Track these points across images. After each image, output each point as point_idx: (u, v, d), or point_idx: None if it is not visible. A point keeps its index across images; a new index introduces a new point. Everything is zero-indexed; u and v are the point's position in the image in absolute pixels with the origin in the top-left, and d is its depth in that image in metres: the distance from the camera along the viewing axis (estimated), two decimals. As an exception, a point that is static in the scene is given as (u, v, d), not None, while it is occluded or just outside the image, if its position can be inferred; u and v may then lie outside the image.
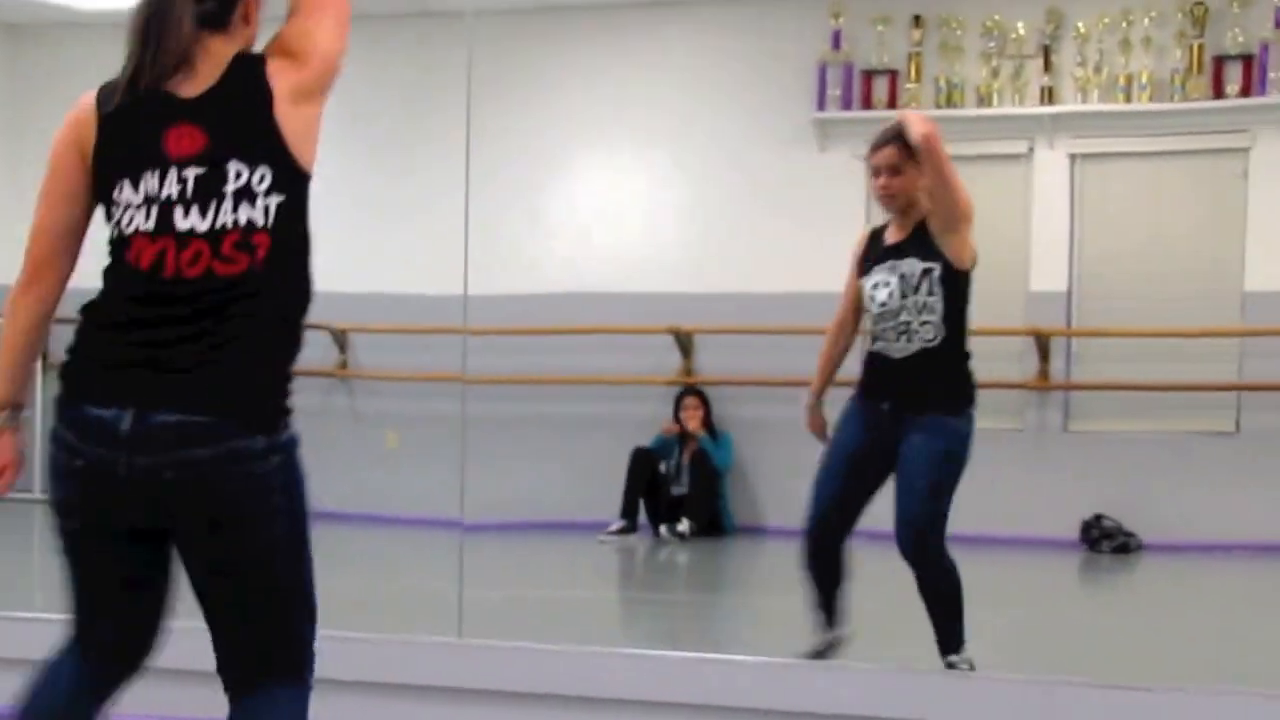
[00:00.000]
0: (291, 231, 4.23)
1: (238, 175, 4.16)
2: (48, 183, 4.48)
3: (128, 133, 4.27)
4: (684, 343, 14.52)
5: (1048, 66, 13.92)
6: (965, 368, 7.67)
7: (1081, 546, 13.18)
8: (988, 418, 13.51)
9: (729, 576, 12.66)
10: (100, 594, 4.53)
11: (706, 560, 12.86)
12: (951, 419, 7.48)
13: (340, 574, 12.45)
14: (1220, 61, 13.54)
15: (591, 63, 14.83)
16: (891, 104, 14.19)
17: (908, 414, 7.35)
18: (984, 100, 14.07)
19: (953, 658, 7.03)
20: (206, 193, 4.17)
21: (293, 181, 4.19)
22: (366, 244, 15.53)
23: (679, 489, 13.86)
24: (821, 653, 7.19)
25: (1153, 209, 13.86)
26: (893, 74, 14.30)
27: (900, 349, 7.38)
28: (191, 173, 4.19)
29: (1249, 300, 13.39)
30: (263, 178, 4.15)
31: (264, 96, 4.16)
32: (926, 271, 7.39)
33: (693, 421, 13.99)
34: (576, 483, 14.30)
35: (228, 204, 4.17)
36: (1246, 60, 13.43)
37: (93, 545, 4.42)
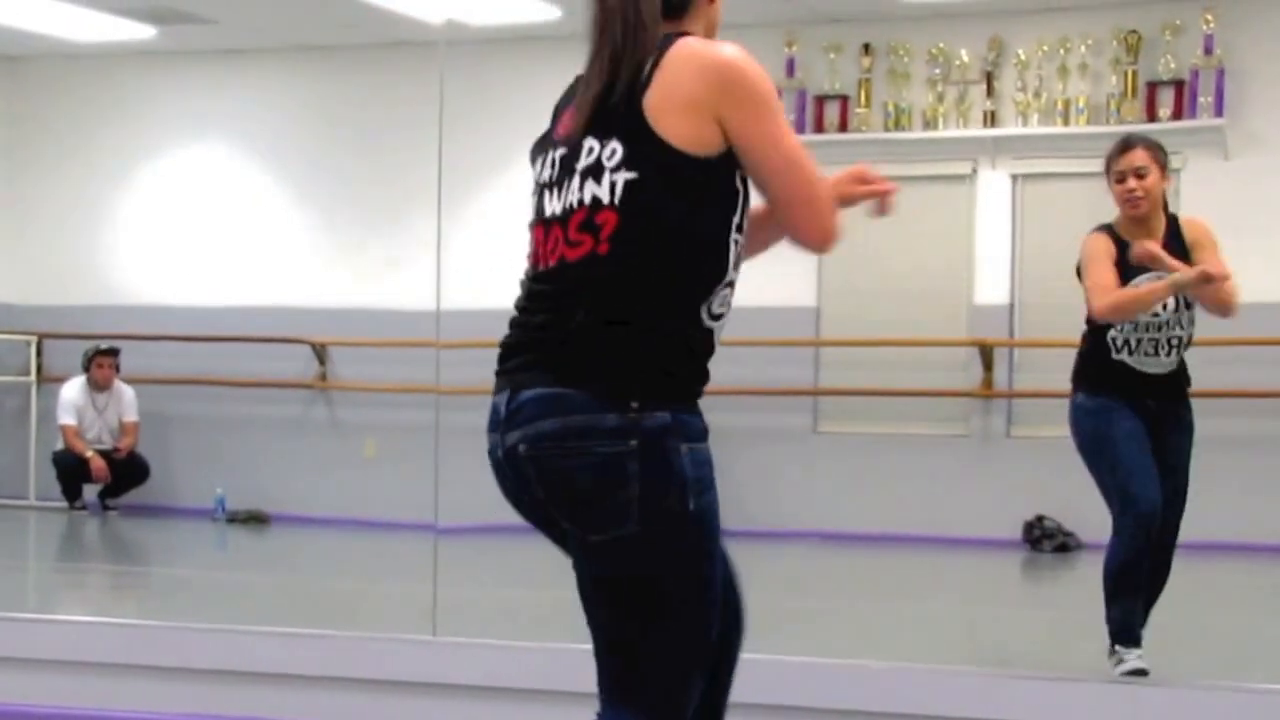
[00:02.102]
0: (648, 210, 3.68)
1: (589, 151, 3.76)
2: None
3: None
4: (647, 355, 14.51)
5: (990, 91, 13.97)
6: None
7: (1024, 546, 13.22)
8: (936, 424, 13.69)
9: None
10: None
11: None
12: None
13: (322, 576, 12.50)
14: (1153, 87, 13.60)
15: (559, 92, 14.82)
16: (843, 127, 14.25)
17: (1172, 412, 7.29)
18: (930, 124, 14.11)
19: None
20: (564, 173, 3.81)
21: (651, 157, 3.67)
22: (345, 262, 15.54)
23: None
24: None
25: (1089, 226, 13.85)
26: (844, 99, 14.33)
27: (1161, 364, 7.29)
28: (559, 154, 3.87)
29: (1182, 312, 13.44)
30: (614, 152, 3.71)
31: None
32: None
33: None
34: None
35: (576, 181, 3.76)
36: (1178, 85, 13.49)
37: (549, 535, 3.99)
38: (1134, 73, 13.62)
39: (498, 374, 3.94)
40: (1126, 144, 7.22)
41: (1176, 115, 13.46)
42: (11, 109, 16.65)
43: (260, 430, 15.72)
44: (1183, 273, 6.93)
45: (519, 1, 13.82)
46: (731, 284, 3.83)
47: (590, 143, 3.76)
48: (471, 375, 14.07)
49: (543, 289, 3.82)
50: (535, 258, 3.88)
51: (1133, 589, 6.98)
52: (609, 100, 3.77)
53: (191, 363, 15.80)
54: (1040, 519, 13.33)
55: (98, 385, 15.39)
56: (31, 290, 16.49)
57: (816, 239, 3.81)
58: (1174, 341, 7.21)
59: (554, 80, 15.63)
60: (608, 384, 3.69)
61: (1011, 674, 6.59)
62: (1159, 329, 7.14)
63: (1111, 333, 7.17)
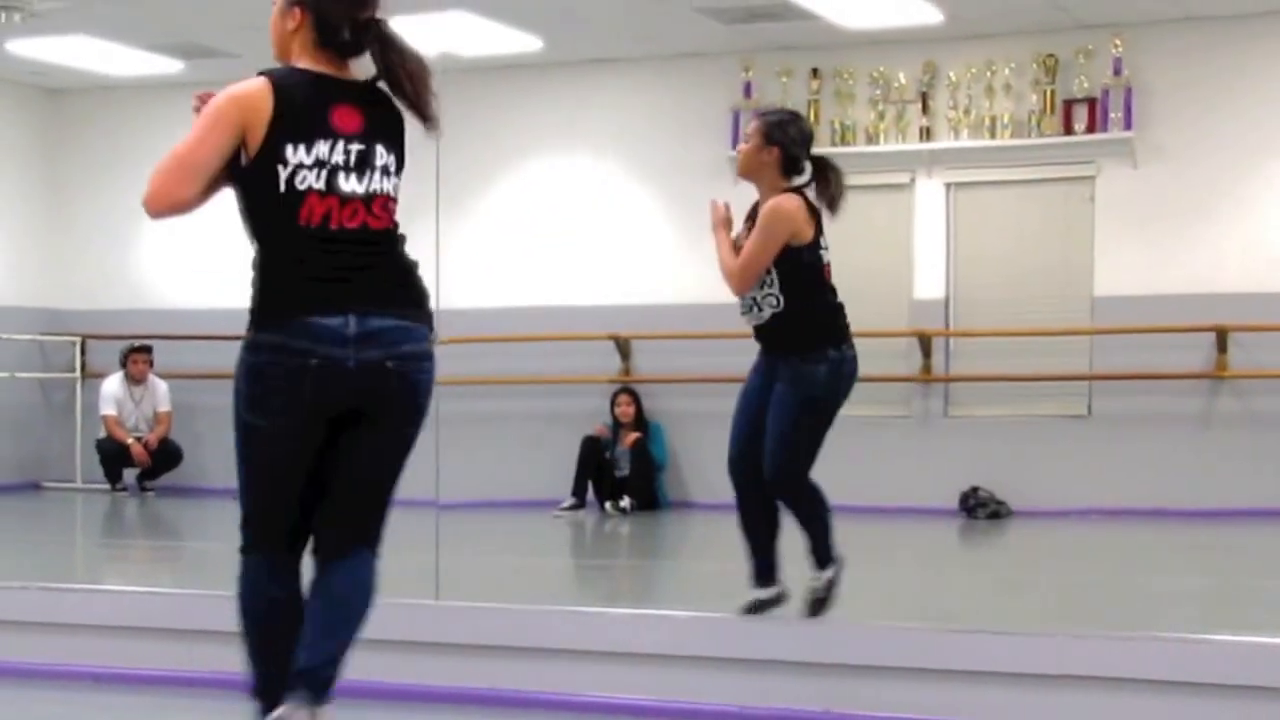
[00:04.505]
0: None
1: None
2: None
3: None
4: (623, 347, 14.51)
5: (925, 110, 13.95)
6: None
7: (960, 514, 13.22)
8: (880, 406, 13.68)
9: (664, 545, 12.65)
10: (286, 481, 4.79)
11: (645, 531, 12.84)
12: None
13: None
14: (1069, 104, 13.59)
15: (542, 114, 14.81)
16: (795, 143, 14.21)
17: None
18: (872, 138, 14.09)
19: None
20: (360, 163, 4.76)
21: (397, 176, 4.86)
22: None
23: (620, 472, 13.86)
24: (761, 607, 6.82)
25: (1016, 228, 13.90)
26: (795, 118, 14.31)
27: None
28: (354, 146, 4.80)
29: (1097, 304, 13.45)
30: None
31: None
32: None
33: (625, 415, 14.01)
34: (534, 467, 14.28)
35: (377, 174, 4.77)
36: (1091, 103, 13.48)
37: (292, 435, 4.76)
38: (1052, 92, 13.62)
39: (328, 300, 4.57)
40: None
41: (1090, 129, 13.45)
42: (55, 136, 16.61)
43: (280, 418, 15.64)
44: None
45: (506, 35, 13.79)
46: None
47: (381, 150, 4.80)
48: (465, 368, 14.14)
49: (356, 245, 4.62)
50: (337, 221, 4.63)
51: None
52: (388, 127, 4.96)
53: (218, 359, 15.67)
54: (975, 490, 13.33)
55: (134, 380, 15.36)
56: (74, 296, 16.45)
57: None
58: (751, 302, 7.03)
59: (537, 103, 15.66)
60: (426, 317, 4.69)
61: (953, 628, 6.58)
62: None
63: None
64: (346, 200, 4.61)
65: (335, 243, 4.57)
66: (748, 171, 7.21)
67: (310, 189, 4.59)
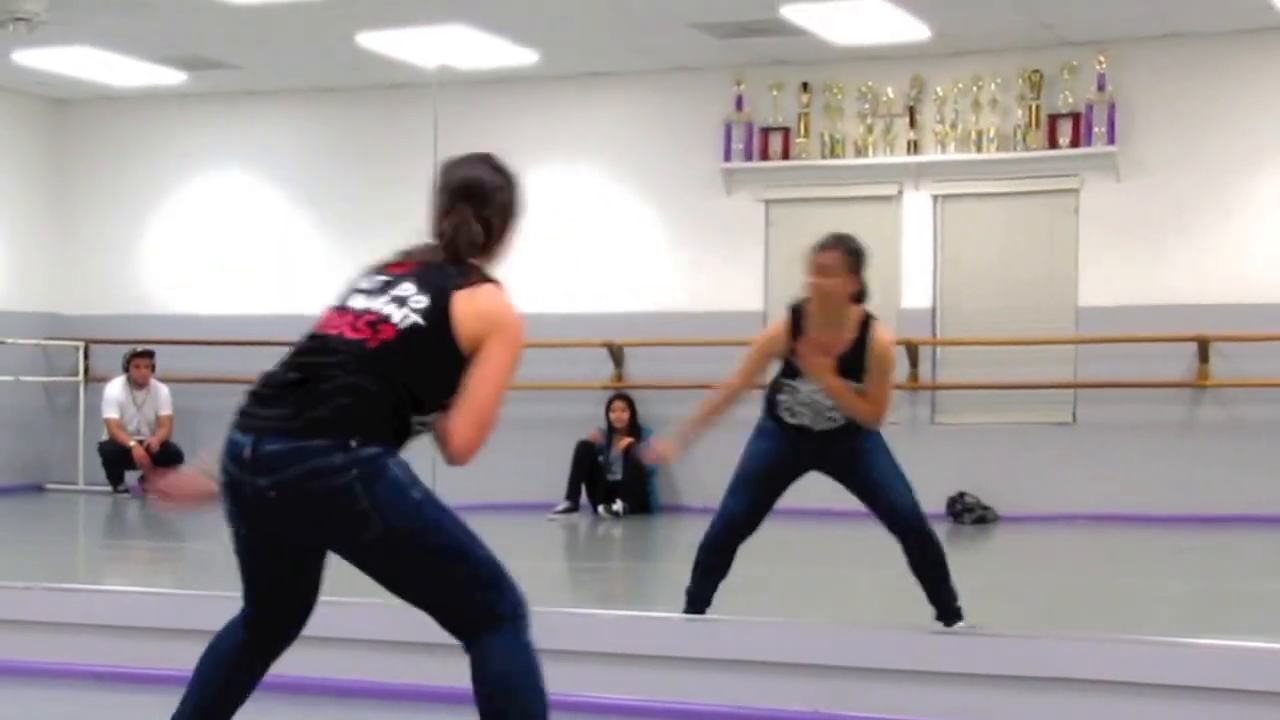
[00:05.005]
0: (412, 345, 4.38)
1: (404, 289, 4.46)
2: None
3: None
4: (616, 354, 14.50)
5: (913, 123, 13.95)
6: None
7: (947, 519, 13.20)
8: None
9: (656, 548, 12.63)
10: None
11: (637, 534, 12.83)
12: None
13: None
14: (1054, 119, 13.59)
15: (537, 126, 14.80)
16: (785, 155, 14.25)
17: None
18: (861, 151, 14.08)
19: None
20: (380, 291, 4.51)
21: (436, 323, 4.38)
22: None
23: (614, 476, 13.85)
24: None
25: (1001, 240, 13.90)
26: (786, 131, 14.31)
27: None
28: (381, 279, 4.58)
29: (1082, 314, 13.46)
30: (418, 301, 4.41)
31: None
32: None
33: (619, 421, 14.00)
34: (529, 471, 14.25)
35: (384, 299, 4.45)
36: (1075, 117, 13.49)
37: (244, 550, 4.60)
38: (1037, 106, 13.62)
39: (243, 415, 4.38)
40: (823, 241, 7.05)
41: (1074, 143, 13.46)
42: (60, 145, 16.59)
43: (279, 423, 15.64)
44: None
45: (502, 48, 13.78)
46: (425, 423, 4.41)
47: (409, 285, 4.43)
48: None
49: (309, 352, 4.39)
50: (319, 326, 4.45)
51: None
52: (434, 281, 4.43)
53: (218, 364, 15.72)
54: (961, 495, 13.32)
55: (136, 384, 15.34)
56: (79, 301, 16.44)
57: (457, 439, 4.38)
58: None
59: (532, 114, 15.64)
60: (338, 433, 4.22)
61: (940, 631, 6.57)
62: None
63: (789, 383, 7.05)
64: (343, 312, 4.45)
65: (306, 347, 4.43)
66: (835, 305, 6.94)
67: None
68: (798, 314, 6.93)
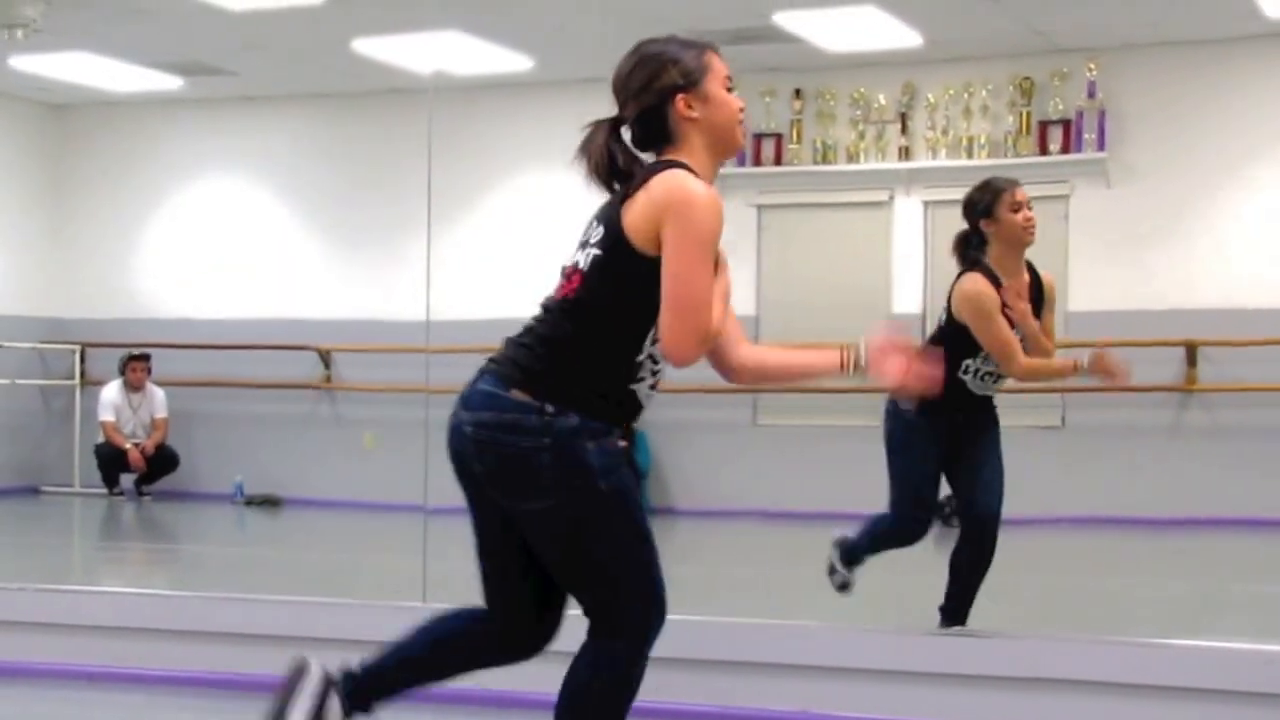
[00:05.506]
0: (600, 279, 4.13)
1: (590, 229, 4.22)
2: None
3: None
4: (609, 358, 14.50)
5: (904, 130, 13.97)
6: None
7: (936, 522, 13.18)
8: (860, 417, 13.66)
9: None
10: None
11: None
12: None
13: (327, 551, 12.42)
14: (1044, 125, 13.62)
15: (532, 131, 14.80)
16: (778, 161, 14.28)
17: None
18: (852, 157, 14.10)
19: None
20: (581, 239, 4.25)
21: (615, 244, 4.10)
22: (347, 279, 15.52)
23: (606, 479, 13.84)
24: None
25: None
26: (778, 137, 14.33)
27: (989, 390, 6.92)
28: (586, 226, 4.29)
29: (1072, 318, 13.44)
30: (598, 234, 4.16)
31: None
32: None
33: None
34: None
35: (578, 247, 4.22)
36: (1066, 124, 13.51)
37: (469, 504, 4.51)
38: (1028, 113, 13.64)
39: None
40: (1012, 180, 6.85)
41: (1065, 150, 13.49)
42: (57, 150, 16.60)
43: (273, 425, 15.66)
44: (1087, 364, 6.71)
45: (497, 54, 13.79)
46: (655, 360, 4.21)
47: (593, 222, 4.19)
48: (456, 376, 14.08)
49: (537, 314, 4.21)
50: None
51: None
52: (610, 202, 4.19)
53: (214, 367, 15.74)
54: (950, 498, 13.29)
55: (132, 387, 15.33)
56: (75, 305, 16.44)
57: (674, 346, 4.08)
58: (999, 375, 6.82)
59: (527, 121, 15.64)
60: (534, 391, 4.06)
61: (929, 632, 6.57)
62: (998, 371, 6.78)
63: (973, 363, 6.78)
64: (561, 272, 4.28)
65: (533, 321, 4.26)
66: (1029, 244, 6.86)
67: None
68: (992, 274, 6.77)
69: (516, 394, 4.06)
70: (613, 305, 4.09)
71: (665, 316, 4.02)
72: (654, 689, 6.23)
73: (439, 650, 4.49)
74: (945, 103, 13.86)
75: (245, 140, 16.10)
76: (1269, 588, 9.73)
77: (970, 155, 13.78)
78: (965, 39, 13.32)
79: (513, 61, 14.04)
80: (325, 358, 15.42)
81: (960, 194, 12.25)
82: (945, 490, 13.72)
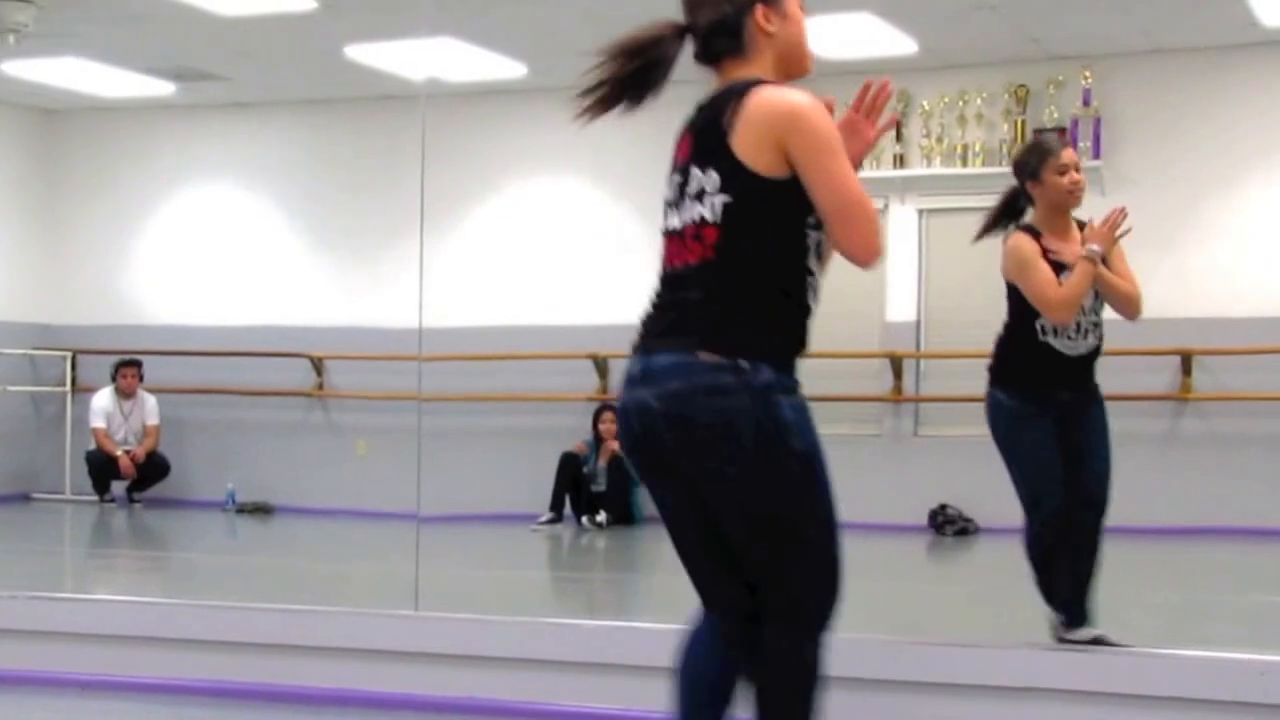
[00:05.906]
0: (740, 223, 3.90)
1: (695, 179, 4.01)
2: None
3: None
4: (601, 366, 14.50)
5: (899, 137, 13.97)
6: None
7: (929, 531, 13.22)
8: (853, 425, 13.69)
9: (639, 559, 12.63)
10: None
11: (620, 546, 12.83)
12: None
13: (319, 559, 12.42)
14: (1039, 133, 13.62)
15: (524, 138, 14.81)
16: (771, 169, 14.25)
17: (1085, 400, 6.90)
18: (847, 165, 14.10)
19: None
20: (679, 195, 4.07)
21: (739, 183, 3.90)
22: (340, 286, 15.52)
23: (598, 487, 13.85)
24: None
25: (986, 254, 13.75)
26: (772, 144, 14.32)
27: (1080, 346, 6.86)
28: (676, 179, 4.11)
29: (1064, 327, 13.48)
30: (713, 181, 3.95)
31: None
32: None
33: (609, 433, 14.00)
34: (513, 481, 14.26)
35: (688, 202, 4.02)
36: (1060, 132, 13.50)
37: (654, 491, 4.31)
38: (1023, 121, 13.65)
39: (633, 348, 4.04)
40: (1062, 142, 6.86)
41: (1060, 158, 13.48)
42: (50, 155, 16.59)
43: (266, 432, 15.66)
44: (1092, 244, 6.72)
45: (490, 61, 13.80)
46: (813, 273, 4.00)
47: (696, 172, 3.98)
48: (447, 385, 14.15)
49: (668, 286, 4.03)
50: (665, 262, 4.09)
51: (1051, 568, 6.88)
52: (705, 141, 4.00)
53: (206, 374, 15.74)
54: (943, 507, 13.34)
55: (124, 394, 15.33)
56: (66, 311, 16.43)
57: (858, 251, 3.90)
58: (1089, 326, 6.82)
59: (520, 127, 15.64)
60: (722, 350, 3.86)
61: (921, 641, 6.57)
62: (1081, 312, 6.74)
63: (1041, 319, 6.74)
64: (670, 238, 4.08)
65: (663, 284, 4.08)
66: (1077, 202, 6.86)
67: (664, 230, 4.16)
68: (1033, 230, 6.80)
69: (706, 356, 3.86)
70: (767, 240, 3.92)
71: (836, 229, 3.89)
72: (647, 698, 6.24)
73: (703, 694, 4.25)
74: (940, 110, 13.87)
75: (237, 146, 16.10)
76: (1263, 597, 9.73)
77: (965, 163, 13.79)
78: (960, 47, 13.33)
79: (506, 68, 14.05)
80: (317, 365, 15.42)
81: (955, 201, 12.33)
82: (942, 497, 13.75)
